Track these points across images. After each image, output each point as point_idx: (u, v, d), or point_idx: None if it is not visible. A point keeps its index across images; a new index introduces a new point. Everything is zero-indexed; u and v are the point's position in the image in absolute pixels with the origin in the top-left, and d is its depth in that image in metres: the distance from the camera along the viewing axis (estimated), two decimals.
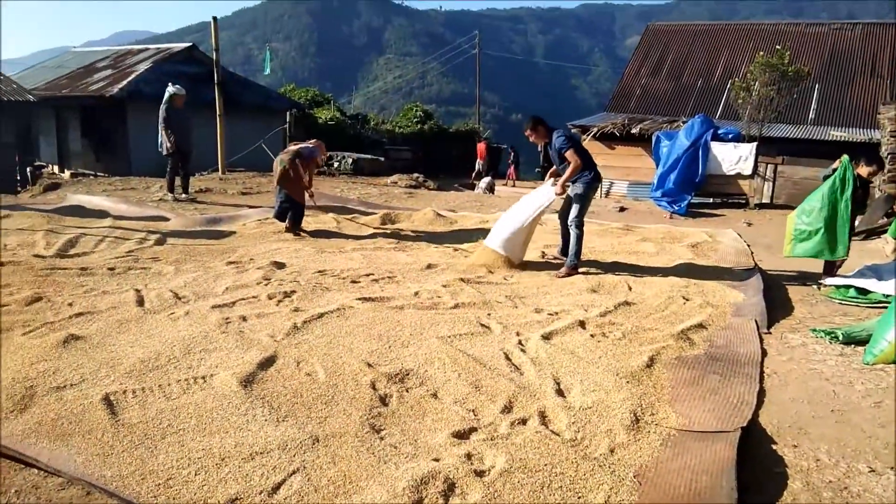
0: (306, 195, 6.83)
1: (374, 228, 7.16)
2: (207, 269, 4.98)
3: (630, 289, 4.80)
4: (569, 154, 5.09)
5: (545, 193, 5.26)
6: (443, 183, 16.48)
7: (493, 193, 15.04)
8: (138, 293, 4.24)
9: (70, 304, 3.98)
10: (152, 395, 2.84)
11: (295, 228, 6.73)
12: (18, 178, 14.89)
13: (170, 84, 9.24)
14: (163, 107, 8.82)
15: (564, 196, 5.36)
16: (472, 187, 16.15)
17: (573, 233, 5.16)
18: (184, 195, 8.97)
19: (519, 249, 5.23)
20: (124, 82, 16.50)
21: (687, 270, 5.43)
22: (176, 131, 8.71)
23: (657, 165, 11.97)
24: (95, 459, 2.36)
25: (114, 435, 2.51)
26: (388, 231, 6.98)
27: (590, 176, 5.20)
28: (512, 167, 19.49)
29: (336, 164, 16.94)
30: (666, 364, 3.43)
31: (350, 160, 16.94)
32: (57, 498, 2.19)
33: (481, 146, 20.06)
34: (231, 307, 4.05)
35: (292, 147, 6.83)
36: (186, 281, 4.57)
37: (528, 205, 5.28)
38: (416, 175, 15.36)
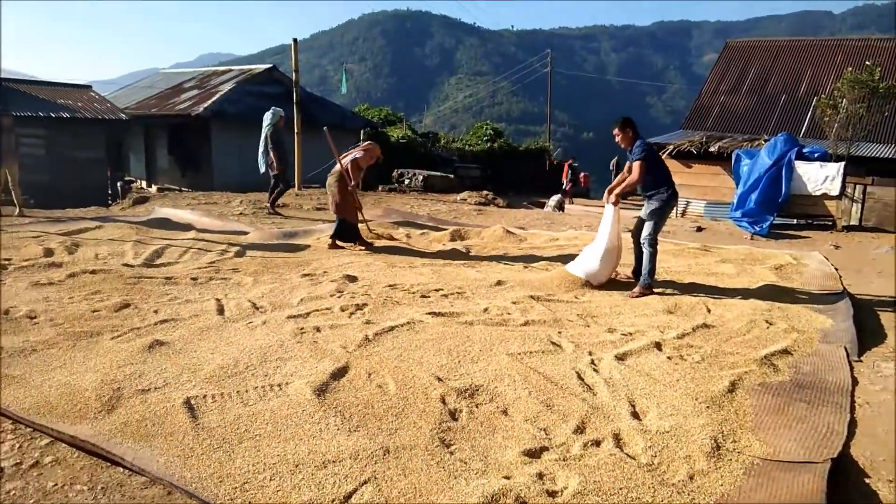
0: (358, 214, 6.98)
1: (444, 244, 7.19)
2: (283, 280, 5.12)
3: (709, 311, 4.62)
4: (634, 165, 4.97)
5: (607, 213, 5.13)
6: (512, 200, 16.45)
7: (562, 211, 14.89)
8: (219, 302, 4.39)
9: (155, 311, 4.16)
10: (230, 401, 2.93)
11: (357, 241, 6.88)
12: (110, 191, 15.82)
13: (273, 107, 9.77)
14: (268, 128, 9.30)
15: (639, 213, 5.23)
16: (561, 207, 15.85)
17: (645, 251, 5.02)
18: (271, 208, 9.47)
19: (602, 275, 5.11)
20: (209, 102, 17.30)
21: (770, 293, 5.19)
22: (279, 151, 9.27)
23: (737, 184, 11.56)
24: (176, 461, 2.43)
25: (194, 438, 2.59)
26: (458, 247, 7.00)
27: (666, 193, 5.06)
28: (570, 184, 19.09)
29: (406, 181, 17.18)
30: (748, 390, 3.27)
31: (420, 177, 17.15)
32: (140, 496, 2.27)
33: (567, 164, 19.68)
34: (305, 318, 4.14)
35: (337, 167, 6.84)
36: (264, 292, 4.71)
37: (602, 232, 5.15)
38: (485, 192, 15.39)
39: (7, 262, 5.25)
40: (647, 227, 5.06)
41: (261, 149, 9.42)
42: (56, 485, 2.32)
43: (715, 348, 3.84)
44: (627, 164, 5.17)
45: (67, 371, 3.20)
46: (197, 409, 2.83)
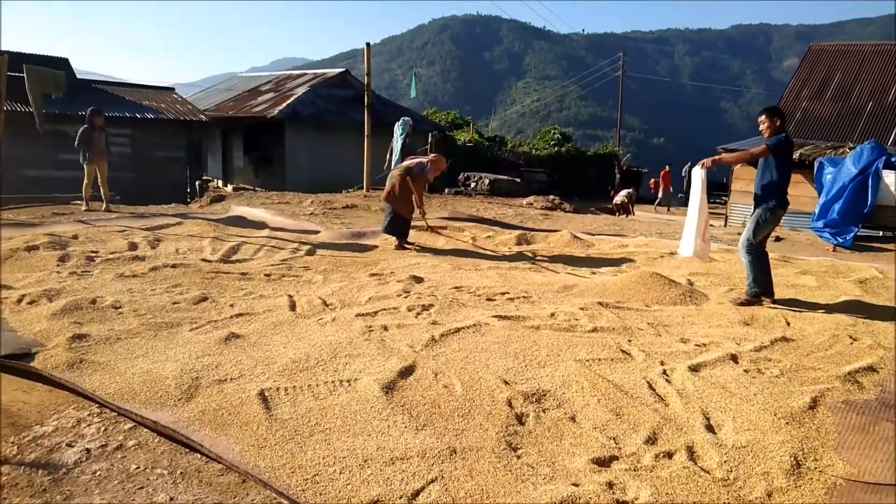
0: (416, 212, 7.03)
1: (510, 248, 7.16)
2: (352, 279, 5.21)
3: (788, 324, 4.43)
4: (761, 148, 4.75)
5: (695, 182, 4.91)
6: (579, 206, 16.22)
7: (627, 216, 14.57)
8: (291, 298, 4.51)
9: (231, 305, 4.30)
10: (302, 394, 3.00)
11: (402, 240, 6.93)
12: (189, 189, 16.48)
13: (403, 117, 10.88)
14: (403, 136, 10.31)
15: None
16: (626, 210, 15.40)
17: (744, 259, 4.79)
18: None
19: (703, 249, 4.90)
20: (284, 105, 17.83)
21: (854, 308, 4.93)
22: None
23: (819, 194, 11.04)
24: (251, 450, 2.51)
25: (267, 428, 2.66)
26: (524, 251, 6.95)
27: (772, 203, 4.78)
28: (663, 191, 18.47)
29: (473, 185, 17.20)
30: (831, 407, 3.12)
31: (486, 181, 17.13)
32: (216, 482, 2.35)
33: (664, 172, 19.02)
34: (373, 316, 4.19)
35: (405, 163, 7.00)
36: (333, 290, 4.80)
37: (692, 205, 4.94)
38: (551, 197, 15.24)
39: (94, 254, 5.54)
40: (745, 233, 4.84)
41: (395, 156, 10.30)
42: (138, 467, 2.43)
43: (795, 363, 3.67)
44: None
45: (149, 360, 3.35)
46: (270, 401, 2.91)
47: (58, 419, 2.76)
